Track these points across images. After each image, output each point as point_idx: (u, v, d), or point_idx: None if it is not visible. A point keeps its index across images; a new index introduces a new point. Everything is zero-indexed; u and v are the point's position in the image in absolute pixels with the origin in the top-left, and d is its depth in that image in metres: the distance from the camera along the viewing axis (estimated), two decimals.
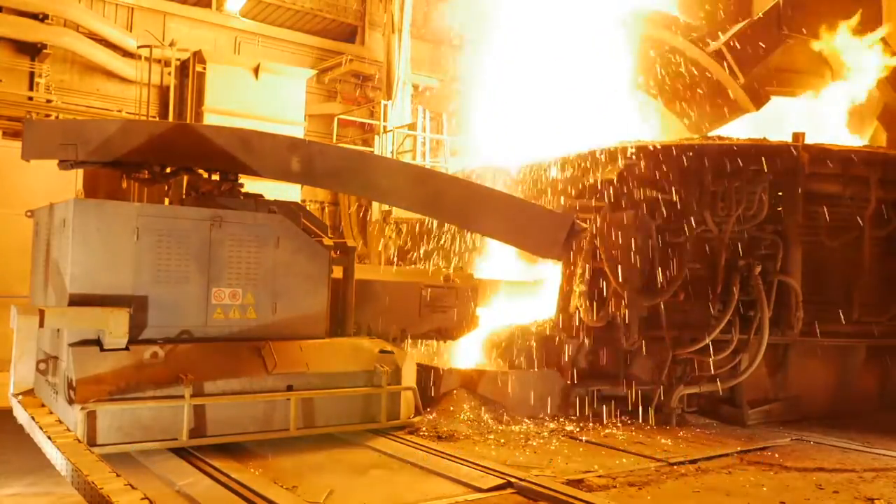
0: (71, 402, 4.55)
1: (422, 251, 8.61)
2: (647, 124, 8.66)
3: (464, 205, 5.57)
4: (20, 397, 5.42)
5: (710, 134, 8.29)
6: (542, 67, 9.11)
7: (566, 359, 6.67)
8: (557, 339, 6.81)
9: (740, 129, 8.41)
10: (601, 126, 8.22)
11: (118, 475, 3.38)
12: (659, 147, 6.66)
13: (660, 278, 6.44)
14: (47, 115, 14.31)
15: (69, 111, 14.82)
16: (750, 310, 6.47)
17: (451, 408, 6.12)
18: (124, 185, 5.77)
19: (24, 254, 6.11)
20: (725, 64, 8.57)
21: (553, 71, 8.98)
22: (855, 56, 8.99)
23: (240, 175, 5.83)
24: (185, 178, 5.94)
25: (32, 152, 5.46)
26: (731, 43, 8.69)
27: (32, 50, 15.96)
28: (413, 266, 8.74)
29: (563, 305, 7.01)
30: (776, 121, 8.63)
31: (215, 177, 5.86)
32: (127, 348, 4.75)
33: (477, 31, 10.00)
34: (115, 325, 4.71)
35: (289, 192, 11.06)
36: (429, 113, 15.01)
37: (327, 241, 5.83)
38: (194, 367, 4.86)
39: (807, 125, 7.01)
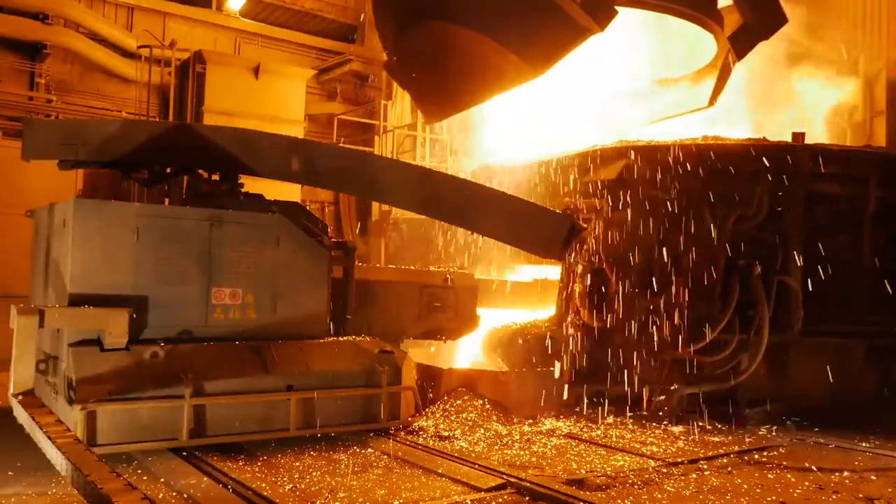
0: (71, 402, 4.55)
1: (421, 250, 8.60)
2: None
3: (463, 205, 5.58)
4: (20, 397, 5.41)
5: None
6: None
7: (566, 359, 6.67)
8: (558, 338, 6.81)
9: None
10: (597, 124, 8.18)
11: (118, 475, 3.38)
12: (658, 146, 6.67)
13: (659, 278, 6.44)
14: (47, 115, 14.29)
15: (69, 111, 14.79)
16: (750, 310, 6.47)
17: (451, 408, 6.11)
18: (124, 185, 5.77)
19: (24, 254, 6.11)
20: None
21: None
22: None
23: (240, 175, 5.83)
24: (185, 178, 5.94)
25: (32, 152, 5.46)
26: None
27: (32, 50, 15.93)
28: (413, 266, 8.73)
29: (563, 305, 7.01)
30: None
31: (215, 177, 5.86)
32: (127, 348, 4.76)
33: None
34: (115, 325, 4.71)
35: (289, 192, 11.04)
36: None
37: (327, 241, 5.84)
38: (194, 367, 4.87)
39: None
